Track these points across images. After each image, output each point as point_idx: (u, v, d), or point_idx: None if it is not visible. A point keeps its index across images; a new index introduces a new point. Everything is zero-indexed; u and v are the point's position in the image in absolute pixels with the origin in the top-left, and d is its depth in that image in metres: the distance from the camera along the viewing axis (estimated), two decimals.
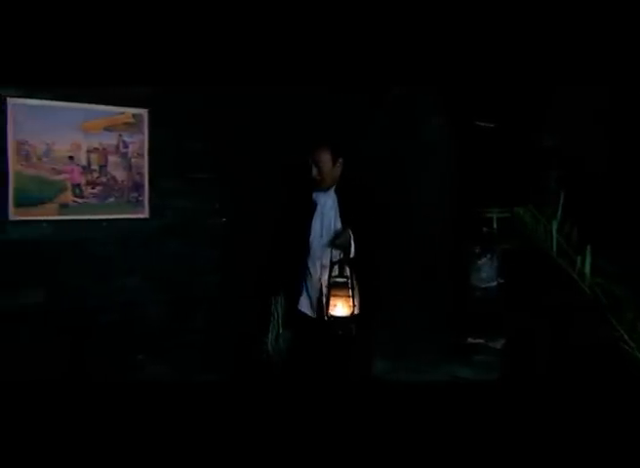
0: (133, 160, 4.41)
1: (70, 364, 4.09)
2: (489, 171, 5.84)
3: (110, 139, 4.33)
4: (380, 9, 4.12)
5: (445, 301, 5.73)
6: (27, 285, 4.08)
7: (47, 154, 4.10)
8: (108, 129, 4.32)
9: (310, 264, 3.88)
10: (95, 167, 4.28)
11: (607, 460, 3.18)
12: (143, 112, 4.45)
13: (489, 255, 6.17)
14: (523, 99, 5.42)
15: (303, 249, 3.89)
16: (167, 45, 4.09)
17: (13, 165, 3.99)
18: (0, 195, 3.98)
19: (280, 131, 4.72)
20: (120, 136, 4.35)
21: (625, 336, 2.56)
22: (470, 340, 5.96)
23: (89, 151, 4.26)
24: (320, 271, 3.82)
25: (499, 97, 5.57)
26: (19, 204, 4.02)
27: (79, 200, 4.22)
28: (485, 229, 5.45)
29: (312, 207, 3.92)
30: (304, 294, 3.93)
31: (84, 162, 4.24)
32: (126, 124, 4.38)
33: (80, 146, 4.22)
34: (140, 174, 4.44)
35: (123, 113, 4.38)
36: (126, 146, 4.38)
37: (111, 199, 4.34)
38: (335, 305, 3.57)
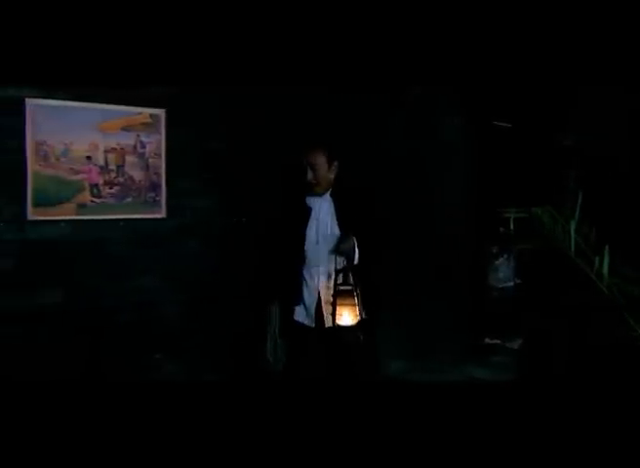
0: (150, 160, 4.42)
1: (87, 363, 4.10)
2: (507, 171, 5.82)
3: (128, 140, 4.34)
4: (400, 9, 4.11)
5: (463, 302, 5.71)
6: (45, 284, 4.10)
7: (65, 154, 4.12)
8: (126, 129, 4.33)
9: (306, 272, 3.77)
10: (112, 167, 4.29)
11: (625, 461, 3.17)
12: (161, 112, 4.46)
13: (506, 255, 6.15)
14: (542, 99, 5.40)
15: (298, 256, 3.76)
16: (183, 45, 4.09)
17: (31, 165, 4.01)
18: (19, 195, 4.00)
19: (299, 131, 4.72)
20: (138, 136, 4.37)
21: None
22: (487, 341, 5.95)
23: (106, 151, 4.27)
24: (318, 279, 3.72)
25: (518, 96, 5.55)
26: (37, 204, 4.04)
27: (97, 200, 4.24)
28: (502, 229, 5.45)
29: (307, 212, 3.79)
30: (300, 304, 3.80)
31: (102, 162, 4.25)
32: (143, 124, 4.39)
33: (98, 146, 4.23)
34: (158, 174, 4.45)
35: (140, 113, 4.39)
36: (143, 146, 4.39)
37: (129, 199, 4.35)
38: (341, 314, 3.48)
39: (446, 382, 4.85)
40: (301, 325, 3.77)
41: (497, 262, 6.18)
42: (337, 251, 3.60)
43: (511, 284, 6.19)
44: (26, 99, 4.01)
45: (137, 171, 4.38)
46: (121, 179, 4.32)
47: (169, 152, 4.49)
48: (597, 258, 2.75)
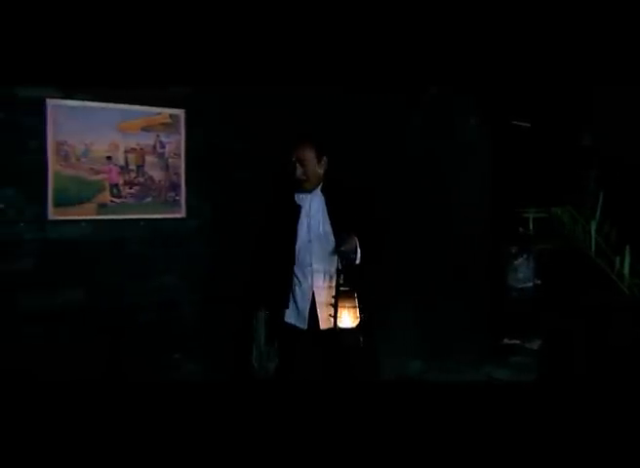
0: (170, 160, 4.43)
1: (108, 363, 4.12)
2: (526, 170, 5.80)
3: (148, 140, 4.36)
4: (416, 9, 4.10)
5: (480, 302, 5.70)
6: (66, 284, 4.11)
7: (85, 154, 4.14)
8: (146, 129, 4.35)
9: (298, 272, 3.66)
10: (132, 167, 4.30)
11: None
12: (180, 113, 4.47)
13: (525, 256, 6.14)
14: (561, 98, 5.37)
15: (289, 256, 3.66)
16: (203, 45, 4.10)
17: (52, 165, 4.03)
18: (40, 195, 4.02)
19: (318, 131, 4.72)
20: (157, 136, 4.38)
21: None
22: (507, 341, 5.93)
23: (126, 151, 4.28)
24: (311, 279, 3.62)
25: (536, 96, 5.53)
26: (58, 204, 4.06)
27: (117, 200, 4.25)
28: (521, 229, 5.43)
29: (296, 209, 3.70)
30: (292, 305, 3.70)
31: (122, 162, 4.27)
32: (163, 124, 4.41)
33: (118, 146, 4.25)
34: (177, 174, 4.46)
35: (160, 114, 4.40)
36: (163, 146, 4.41)
37: (148, 199, 4.37)
38: (340, 316, 3.40)
39: (464, 382, 4.84)
40: (292, 326, 3.68)
41: (516, 263, 6.16)
42: (338, 251, 3.50)
43: (531, 284, 6.17)
44: (47, 100, 4.02)
45: (156, 171, 4.39)
46: (141, 179, 4.34)
47: (188, 152, 4.50)
48: (618, 259, 2.75)
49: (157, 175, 4.39)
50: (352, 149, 5.02)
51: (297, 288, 3.68)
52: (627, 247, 2.71)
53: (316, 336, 3.60)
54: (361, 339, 3.46)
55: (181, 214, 4.49)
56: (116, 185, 4.25)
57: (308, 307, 3.64)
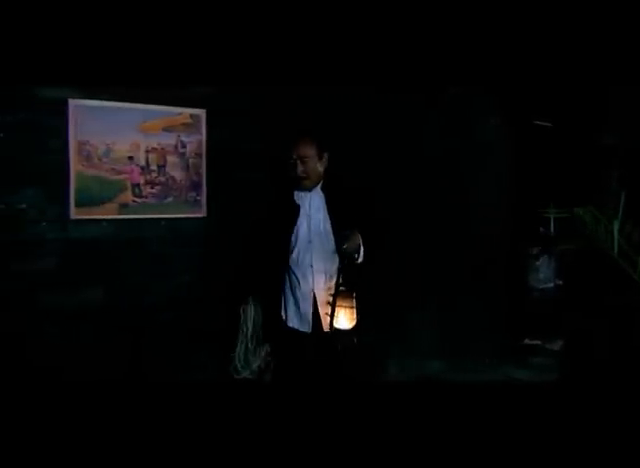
0: (191, 160, 4.44)
1: (129, 362, 4.14)
2: (547, 171, 5.78)
3: (169, 140, 4.37)
4: (434, 8, 4.09)
5: (502, 302, 5.68)
6: (88, 283, 4.14)
7: (107, 154, 4.16)
8: (167, 129, 4.36)
9: (298, 274, 3.55)
10: (154, 167, 4.32)
11: None
12: (201, 113, 4.47)
13: (546, 256, 6.11)
14: (582, 98, 5.35)
15: (285, 255, 3.56)
16: (224, 45, 4.11)
17: (74, 165, 4.05)
18: (62, 195, 4.05)
19: (335, 131, 4.72)
20: (178, 136, 4.39)
21: None
22: (527, 342, 5.91)
23: (148, 151, 4.30)
24: (313, 280, 3.51)
25: (557, 95, 5.50)
26: (80, 203, 4.08)
27: (138, 200, 4.27)
28: (542, 229, 5.40)
29: (296, 208, 3.60)
30: (293, 308, 3.59)
31: (143, 162, 4.28)
32: (184, 124, 4.42)
33: (139, 147, 4.26)
34: (198, 173, 4.47)
35: (181, 114, 4.41)
36: (184, 146, 4.42)
37: (170, 199, 4.38)
38: (337, 316, 3.29)
39: (483, 382, 4.83)
40: (296, 331, 3.57)
41: (537, 263, 6.13)
42: (340, 249, 3.36)
43: (552, 284, 6.14)
44: (69, 100, 4.05)
45: (178, 171, 4.40)
46: (162, 179, 4.35)
47: (209, 152, 4.51)
48: None
49: (178, 174, 4.40)
50: (371, 149, 5.02)
51: (297, 290, 3.57)
52: None
53: (321, 340, 3.47)
54: (355, 341, 3.36)
55: (202, 213, 4.50)
56: (137, 185, 4.27)
57: (311, 310, 3.54)
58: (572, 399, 4.13)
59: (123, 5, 3.69)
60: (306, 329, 3.55)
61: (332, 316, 3.31)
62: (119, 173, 4.20)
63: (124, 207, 4.23)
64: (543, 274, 6.14)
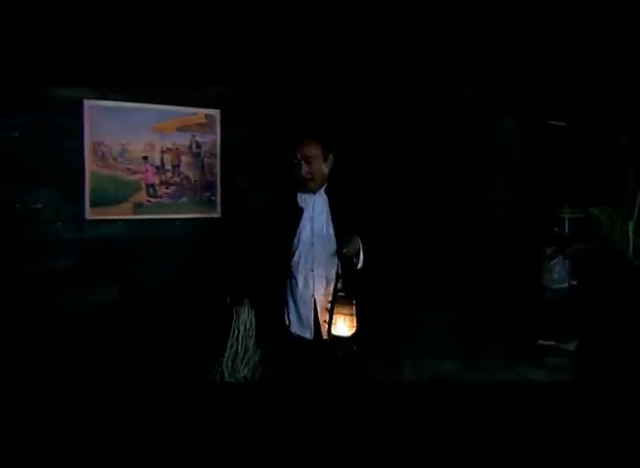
0: (205, 160, 4.45)
1: (143, 362, 4.14)
2: (562, 170, 5.76)
3: (183, 140, 4.38)
4: (449, 8, 4.08)
5: (516, 302, 5.67)
6: (103, 283, 4.15)
7: (122, 154, 4.17)
8: (181, 129, 4.37)
9: (299, 278, 3.42)
10: (168, 167, 4.33)
11: None
12: (216, 113, 4.48)
13: (561, 256, 6.09)
14: (597, 97, 5.32)
15: (289, 260, 3.43)
16: (239, 45, 4.11)
17: (89, 165, 4.07)
18: (77, 195, 4.06)
19: (350, 131, 4.72)
20: (193, 136, 4.40)
21: None
22: (541, 342, 5.89)
23: (162, 151, 4.31)
24: (313, 285, 3.38)
25: (572, 95, 5.48)
26: (95, 203, 4.09)
27: (153, 200, 4.28)
28: (557, 229, 5.38)
29: (299, 210, 3.46)
30: (295, 314, 3.46)
31: (158, 162, 4.30)
32: (199, 124, 4.43)
33: (154, 147, 4.27)
34: (213, 173, 4.48)
35: (196, 114, 4.42)
36: (199, 146, 4.43)
37: (184, 198, 4.39)
38: (336, 324, 3.16)
39: (496, 383, 4.81)
40: (299, 337, 3.45)
41: (551, 263, 6.12)
42: (340, 254, 3.23)
43: (566, 285, 6.13)
44: (84, 101, 4.06)
45: (192, 171, 4.41)
46: (177, 179, 4.36)
47: (224, 152, 4.52)
48: None
49: (193, 174, 4.41)
50: (386, 150, 5.02)
51: (297, 294, 3.44)
52: None
53: (321, 347, 3.35)
54: (355, 349, 3.21)
55: (217, 213, 4.51)
56: (152, 185, 4.28)
57: (312, 315, 3.42)
58: (586, 399, 4.11)
59: (137, 6, 3.69)
60: (308, 335, 3.44)
61: (330, 323, 3.19)
62: (134, 173, 4.21)
63: (139, 207, 4.24)
64: (558, 274, 6.13)
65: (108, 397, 3.62)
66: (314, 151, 3.41)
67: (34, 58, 3.72)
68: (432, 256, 5.18)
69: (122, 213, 4.19)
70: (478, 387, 4.40)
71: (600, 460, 3.33)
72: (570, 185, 5.58)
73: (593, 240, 3.81)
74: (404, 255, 4.43)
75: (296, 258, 3.45)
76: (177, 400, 3.70)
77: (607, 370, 4.33)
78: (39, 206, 3.96)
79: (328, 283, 3.36)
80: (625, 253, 3.24)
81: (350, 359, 3.21)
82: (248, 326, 3.60)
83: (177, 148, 4.35)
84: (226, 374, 3.60)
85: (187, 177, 4.39)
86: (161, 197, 4.30)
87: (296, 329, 3.47)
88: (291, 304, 3.50)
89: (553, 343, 5.85)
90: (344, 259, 3.23)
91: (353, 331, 3.18)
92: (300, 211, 3.47)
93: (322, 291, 3.37)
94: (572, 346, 5.65)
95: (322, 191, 3.50)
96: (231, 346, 3.56)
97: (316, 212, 3.47)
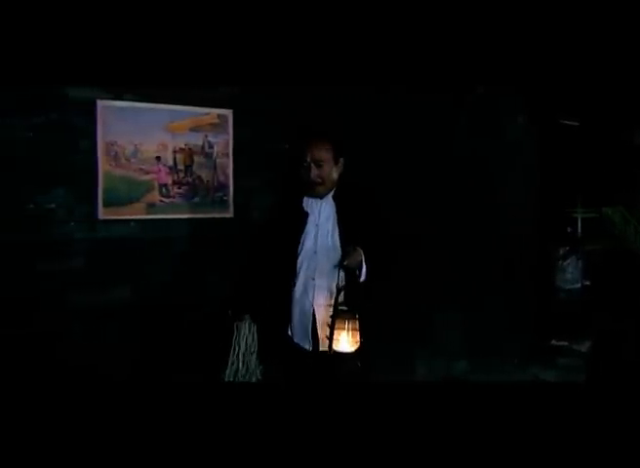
0: (218, 160, 4.46)
1: (155, 361, 4.16)
2: (575, 170, 5.74)
3: (196, 140, 4.39)
4: (462, 8, 4.08)
5: (528, 302, 5.65)
6: (116, 282, 4.17)
7: (135, 155, 4.19)
8: (194, 129, 4.38)
9: (299, 285, 3.22)
10: (181, 167, 4.34)
11: None
12: (228, 113, 4.49)
13: (574, 256, 6.07)
14: (610, 96, 5.31)
15: (291, 268, 3.23)
16: (252, 45, 4.12)
17: (102, 165, 4.09)
18: (90, 195, 4.08)
19: (362, 132, 4.72)
20: (205, 136, 4.41)
21: None
22: (554, 343, 5.88)
23: (175, 151, 4.32)
24: (313, 295, 3.18)
25: (584, 94, 5.47)
26: (108, 203, 4.11)
27: (166, 200, 4.29)
28: (570, 229, 5.36)
29: (304, 216, 3.27)
30: (294, 322, 3.26)
31: (170, 162, 4.31)
32: (211, 124, 4.43)
33: (167, 147, 4.29)
34: (225, 173, 4.49)
35: (208, 114, 4.43)
36: (211, 146, 4.44)
37: (197, 198, 4.40)
38: (338, 339, 2.95)
39: (509, 383, 4.80)
40: (299, 348, 3.25)
41: (564, 263, 6.10)
42: (341, 266, 3.04)
43: (579, 285, 6.11)
44: (97, 101, 4.08)
45: (205, 171, 4.42)
46: (189, 179, 4.37)
47: (236, 152, 4.53)
48: None
49: (205, 174, 4.43)
50: (399, 150, 5.02)
51: (296, 303, 3.24)
52: None
53: (320, 360, 3.13)
54: (358, 365, 3.00)
55: (229, 213, 4.52)
56: (165, 185, 4.29)
57: (310, 326, 3.21)
58: (599, 400, 4.09)
59: (150, 7, 3.70)
60: (307, 346, 3.24)
61: (331, 339, 2.98)
62: (147, 173, 4.23)
63: (151, 207, 4.26)
64: (570, 275, 6.11)
65: (120, 396, 3.64)
66: (325, 154, 3.22)
67: (49, 59, 3.74)
68: (445, 257, 5.17)
69: (135, 212, 4.20)
70: (491, 387, 4.39)
71: (612, 461, 3.31)
72: (583, 185, 5.57)
73: (606, 240, 3.80)
74: (417, 256, 4.42)
75: (297, 265, 3.26)
76: (185, 399, 3.71)
77: (619, 370, 4.31)
78: (52, 206, 3.98)
79: (329, 295, 3.15)
80: (639, 254, 3.23)
81: (354, 376, 3.01)
82: (250, 341, 3.38)
83: (189, 148, 4.36)
84: None
85: (200, 177, 4.40)
86: (173, 197, 4.32)
87: (295, 337, 3.28)
88: (291, 313, 3.29)
89: (566, 344, 5.83)
90: (346, 272, 3.07)
91: (357, 346, 2.98)
92: (305, 215, 3.29)
93: (322, 301, 3.17)
94: (584, 347, 5.63)
95: (330, 197, 3.31)
96: (232, 364, 3.35)
97: (322, 218, 3.27)
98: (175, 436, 2.82)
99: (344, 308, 2.97)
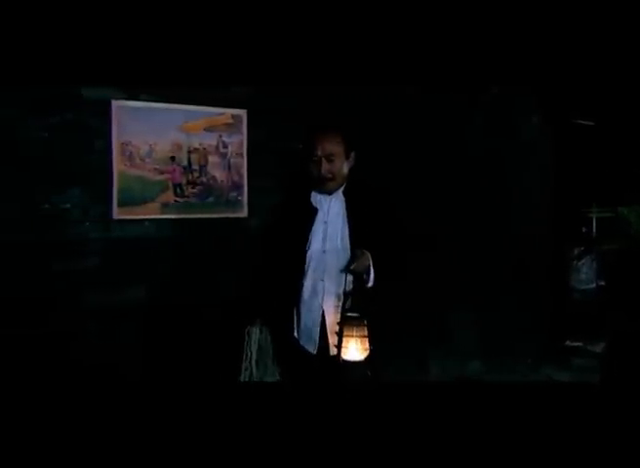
0: (232, 160, 4.46)
1: (169, 361, 4.16)
2: (590, 170, 5.72)
3: (210, 140, 4.39)
4: (477, 8, 4.07)
5: (543, 303, 5.64)
6: (130, 282, 4.17)
7: (149, 155, 4.19)
8: (208, 129, 4.38)
9: (308, 286, 3.10)
10: (195, 167, 4.35)
11: None
12: (242, 113, 4.49)
13: (588, 256, 6.05)
14: (625, 96, 5.29)
15: (299, 267, 3.11)
16: (266, 45, 4.12)
17: (117, 165, 4.09)
18: (105, 195, 4.09)
19: (377, 131, 4.71)
20: (220, 136, 4.41)
21: None
22: (569, 343, 5.86)
23: (189, 151, 4.33)
24: (322, 297, 3.05)
25: (599, 94, 5.45)
26: (122, 203, 4.12)
27: (180, 199, 4.30)
28: (584, 229, 5.34)
29: (313, 213, 3.14)
30: (300, 323, 3.13)
31: (185, 162, 4.31)
32: (225, 124, 4.44)
33: (181, 147, 4.29)
34: (239, 173, 4.49)
35: (223, 114, 4.43)
36: (225, 146, 4.44)
37: (211, 198, 4.40)
38: (347, 347, 2.78)
39: (523, 383, 4.78)
40: (302, 349, 3.13)
41: (578, 263, 6.08)
42: (348, 270, 2.92)
43: (593, 285, 6.08)
44: (112, 101, 4.09)
45: (219, 170, 4.43)
46: (204, 179, 4.38)
47: (250, 152, 4.53)
48: None
49: (220, 174, 4.43)
50: (414, 150, 5.01)
51: (304, 304, 3.12)
52: None
53: (326, 364, 2.99)
54: (369, 374, 2.82)
55: (243, 213, 4.52)
56: (179, 185, 4.30)
57: (318, 329, 3.08)
58: (613, 401, 4.08)
59: (166, 8, 3.71)
60: (312, 349, 3.11)
61: (339, 346, 2.83)
62: (161, 173, 4.23)
63: (166, 206, 4.26)
64: (585, 275, 6.09)
65: (134, 396, 3.64)
66: (337, 148, 3.08)
67: (64, 60, 3.75)
68: (460, 257, 5.16)
69: (149, 212, 4.21)
70: (504, 388, 4.37)
71: (627, 462, 3.29)
72: (597, 185, 5.55)
73: (622, 240, 3.78)
74: (431, 256, 4.42)
75: (305, 264, 3.13)
76: (197, 400, 3.71)
77: (634, 371, 4.29)
78: (67, 206, 3.99)
79: (338, 299, 3.03)
80: None
81: (365, 386, 2.83)
82: (263, 345, 3.23)
83: (204, 148, 4.37)
84: None
85: (214, 177, 4.41)
86: (188, 197, 4.32)
87: (300, 339, 3.15)
88: (296, 314, 3.18)
89: (580, 344, 5.81)
90: (354, 275, 2.95)
91: (366, 353, 2.81)
92: (314, 211, 3.16)
93: (331, 303, 3.05)
94: (599, 347, 5.61)
95: (339, 192, 3.17)
96: (245, 369, 3.22)
97: (331, 215, 3.14)
98: (184, 435, 2.82)
99: (353, 314, 2.82)
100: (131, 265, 4.19)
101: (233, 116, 4.47)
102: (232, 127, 4.46)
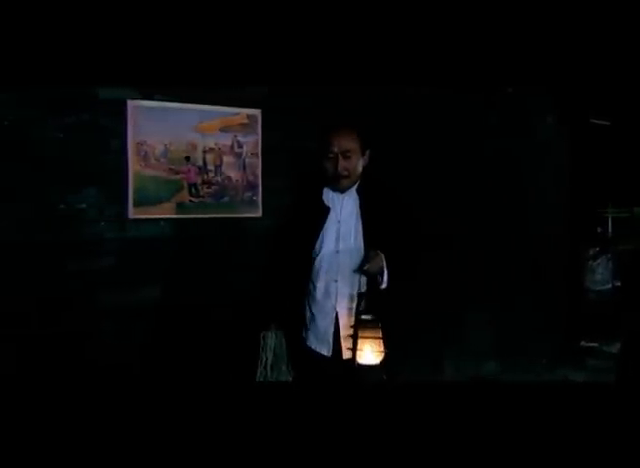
0: (247, 160, 4.46)
1: (185, 361, 4.17)
2: (605, 170, 5.70)
3: (225, 140, 4.39)
4: (493, 8, 4.06)
5: (558, 303, 5.62)
6: (146, 282, 4.18)
7: (164, 155, 4.19)
8: (223, 129, 4.38)
9: (319, 285, 3.07)
10: (210, 167, 4.35)
11: None
12: (257, 113, 4.49)
13: (604, 257, 6.03)
14: None
15: (310, 267, 3.08)
16: (280, 45, 4.12)
17: (132, 165, 4.10)
18: (120, 195, 4.09)
19: (393, 131, 4.70)
20: (235, 136, 4.41)
21: None
22: (584, 344, 5.84)
23: (204, 151, 4.33)
24: (335, 298, 3.01)
25: (615, 93, 5.43)
26: (137, 203, 4.12)
27: (195, 199, 4.30)
28: (600, 229, 5.32)
29: (325, 211, 3.10)
30: (313, 326, 3.10)
31: (200, 162, 4.31)
32: (240, 124, 4.44)
33: (196, 147, 4.29)
34: (254, 173, 4.49)
35: (238, 114, 4.43)
36: (240, 146, 4.44)
37: (226, 198, 4.40)
38: (362, 350, 2.75)
39: (539, 383, 4.77)
40: (316, 353, 3.10)
41: (594, 264, 6.05)
42: (362, 270, 2.91)
43: (609, 286, 6.06)
44: (128, 101, 4.09)
45: (234, 170, 4.42)
46: (219, 179, 4.38)
47: (265, 152, 4.53)
48: None
49: (235, 174, 4.43)
50: (429, 150, 5.00)
51: (316, 305, 3.09)
52: None
53: (339, 367, 2.97)
54: (384, 377, 2.79)
55: (258, 213, 4.52)
56: (194, 185, 4.30)
57: (332, 330, 3.04)
58: (628, 402, 4.05)
59: (180, 8, 3.71)
60: (325, 351, 3.08)
61: (354, 350, 2.79)
62: (176, 172, 4.24)
63: (181, 206, 4.26)
64: (600, 275, 6.06)
65: (149, 395, 3.64)
66: (353, 144, 3.07)
67: (79, 60, 3.75)
68: (475, 256, 5.15)
69: (164, 212, 4.21)
70: (520, 388, 4.35)
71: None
72: (613, 185, 5.52)
73: (637, 240, 3.76)
74: (447, 256, 4.41)
75: (317, 264, 3.09)
76: (214, 399, 3.70)
77: None
78: (83, 205, 4.00)
79: (352, 300, 2.99)
80: None
81: (381, 389, 2.70)
82: (278, 350, 3.20)
83: (219, 148, 4.37)
84: None
85: (229, 177, 4.41)
86: (203, 197, 4.32)
87: (312, 342, 3.13)
88: (308, 315, 3.15)
89: (596, 345, 5.79)
90: (368, 276, 2.95)
91: (382, 356, 2.77)
92: (326, 210, 3.12)
93: (344, 305, 3.02)
94: (614, 348, 5.59)
95: (353, 190, 3.14)
96: (261, 374, 3.18)
97: (344, 214, 3.11)
98: (198, 435, 2.82)
99: (367, 317, 2.79)
100: (146, 265, 4.19)
101: (248, 116, 4.47)
102: (247, 127, 4.46)
